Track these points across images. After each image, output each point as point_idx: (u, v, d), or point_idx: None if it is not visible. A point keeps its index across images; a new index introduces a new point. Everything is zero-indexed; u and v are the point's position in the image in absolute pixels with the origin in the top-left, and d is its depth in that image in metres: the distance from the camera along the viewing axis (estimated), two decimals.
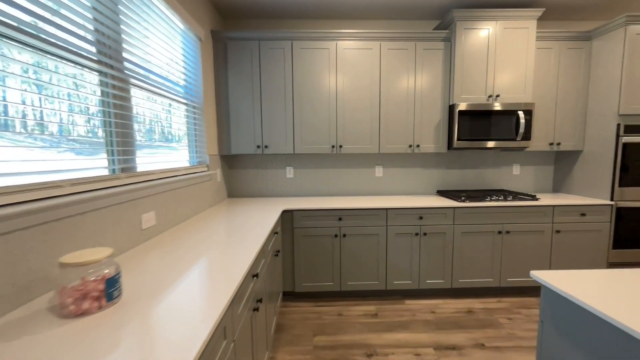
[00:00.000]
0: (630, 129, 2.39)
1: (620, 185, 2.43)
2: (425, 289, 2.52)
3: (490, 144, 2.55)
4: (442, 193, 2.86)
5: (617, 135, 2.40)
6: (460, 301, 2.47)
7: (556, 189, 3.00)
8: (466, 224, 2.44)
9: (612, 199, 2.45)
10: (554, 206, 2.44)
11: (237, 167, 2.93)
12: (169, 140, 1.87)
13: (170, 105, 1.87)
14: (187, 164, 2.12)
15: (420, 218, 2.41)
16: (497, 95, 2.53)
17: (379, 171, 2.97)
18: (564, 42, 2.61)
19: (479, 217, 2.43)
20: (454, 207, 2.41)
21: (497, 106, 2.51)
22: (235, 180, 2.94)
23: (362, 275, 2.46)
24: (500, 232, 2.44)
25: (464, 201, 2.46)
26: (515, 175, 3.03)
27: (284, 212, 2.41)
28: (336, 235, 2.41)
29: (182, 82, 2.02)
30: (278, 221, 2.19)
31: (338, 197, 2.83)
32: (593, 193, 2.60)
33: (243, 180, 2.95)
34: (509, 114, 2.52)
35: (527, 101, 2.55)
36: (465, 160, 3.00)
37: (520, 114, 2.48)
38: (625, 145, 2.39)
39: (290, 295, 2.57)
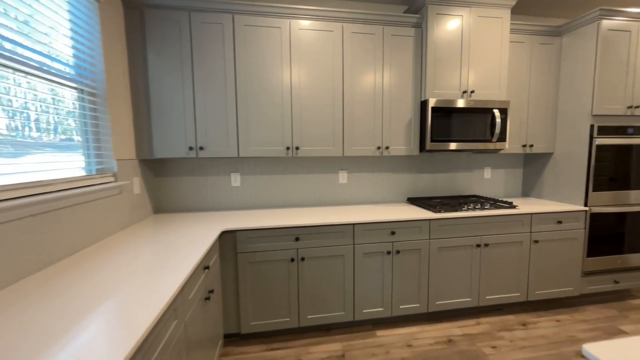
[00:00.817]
0: (604, 131, 2.26)
1: (594, 190, 2.29)
2: (399, 315, 2.15)
3: (466, 145, 2.26)
4: (413, 201, 2.53)
5: (591, 137, 2.25)
6: (438, 327, 2.14)
7: (526, 193, 2.85)
8: (443, 237, 2.11)
9: (586, 204, 2.31)
10: (532, 214, 2.22)
11: (165, 175, 2.31)
12: (41, 140, 1.24)
13: (51, 90, 1.24)
14: (79, 172, 1.49)
15: (393, 233, 2.03)
16: (472, 92, 2.26)
17: (343, 177, 2.56)
18: (535, 37, 2.43)
19: (456, 230, 2.13)
20: (430, 220, 2.07)
21: (473, 103, 2.23)
22: (164, 191, 2.32)
23: (325, 306, 2.01)
24: (478, 246, 2.16)
25: (440, 211, 2.14)
26: (487, 180, 2.82)
27: (225, 233, 1.87)
28: (293, 260, 1.93)
29: (69, 59, 1.40)
30: (213, 247, 1.65)
31: (295, 209, 2.35)
32: (565, 198, 2.45)
33: (175, 190, 2.33)
34: (484, 112, 2.26)
35: (502, 99, 2.31)
36: (437, 163, 2.71)
37: (496, 112, 2.24)
38: (599, 147, 2.26)
39: (235, 338, 2.03)
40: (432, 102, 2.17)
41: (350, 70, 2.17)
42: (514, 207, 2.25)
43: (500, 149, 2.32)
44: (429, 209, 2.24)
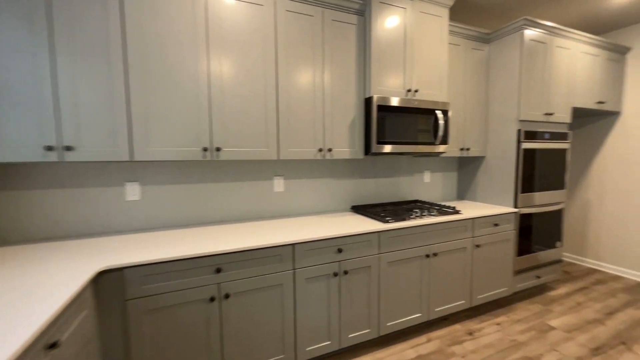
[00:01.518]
0: (528, 135, 2.37)
1: (522, 192, 2.39)
2: (348, 346, 1.84)
3: (412, 148, 2.11)
4: (358, 209, 2.27)
5: (518, 141, 2.34)
6: (391, 351, 1.90)
7: (460, 196, 2.89)
8: (393, 250, 1.89)
9: (515, 206, 2.39)
10: (474, 219, 2.18)
11: (17, 187, 1.55)
12: None
13: None
14: None
15: (340, 251, 1.72)
16: (416, 91, 2.12)
17: (279, 184, 2.15)
18: (469, 42, 2.45)
19: (406, 241, 1.93)
20: (379, 231, 1.82)
21: (417, 103, 2.09)
22: (16, 211, 1.55)
23: (257, 352, 1.57)
24: (428, 256, 2.01)
25: (389, 221, 1.91)
26: (427, 184, 2.77)
27: (105, 273, 1.27)
28: (213, 299, 1.43)
29: None
30: (77, 303, 1.06)
31: (218, 228, 1.85)
32: (497, 200, 2.52)
33: (34, 210, 1.59)
34: (428, 113, 2.14)
35: (444, 100, 2.24)
36: (380, 167, 2.53)
37: (439, 114, 2.14)
38: (525, 151, 2.36)
39: None
40: (377, 100, 1.95)
41: (285, 57, 1.79)
42: (458, 212, 2.18)
43: (442, 152, 2.24)
44: (377, 219, 2.00)
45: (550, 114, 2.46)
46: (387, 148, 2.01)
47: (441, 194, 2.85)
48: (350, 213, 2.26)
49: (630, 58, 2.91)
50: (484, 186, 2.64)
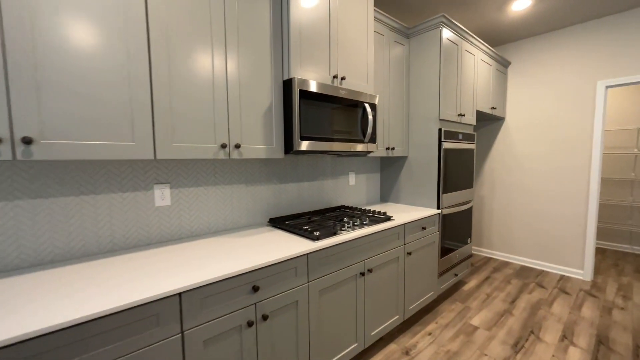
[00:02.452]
0: (448, 135, 2.35)
1: (444, 192, 2.36)
2: None
3: (341, 146, 1.76)
4: (278, 223, 1.80)
5: (440, 141, 2.30)
6: None
7: (384, 198, 2.75)
8: (325, 274, 1.49)
9: (438, 207, 2.34)
10: (405, 224, 1.99)
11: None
12: None
13: None
14: None
15: (256, 289, 1.20)
16: (343, 78, 1.79)
17: (162, 196, 1.49)
18: (392, 33, 2.29)
19: (340, 259, 1.56)
20: (308, 253, 1.40)
21: (345, 93, 1.76)
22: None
23: None
24: (362, 274, 1.69)
25: (318, 238, 1.50)
26: (352, 187, 2.51)
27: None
28: None
29: None
30: None
31: (59, 271, 1.08)
32: (421, 201, 2.44)
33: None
34: (355, 106, 1.84)
35: (371, 92, 1.98)
36: (303, 169, 2.12)
37: (368, 108, 1.87)
38: (445, 150, 2.33)
39: None
40: (298, 82, 1.52)
41: (166, 11, 1.18)
42: (390, 218, 1.95)
43: (371, 151, 1.98)
44: (303, 235, 1.57)
45: (462, 115, 2.52)
46: (313, 145, 1.61)
47: (366, 197, 2.64)
48: (269, 228, 1.77)
49: (510, 71, 3.34)
50: (407, 187, 2.54)
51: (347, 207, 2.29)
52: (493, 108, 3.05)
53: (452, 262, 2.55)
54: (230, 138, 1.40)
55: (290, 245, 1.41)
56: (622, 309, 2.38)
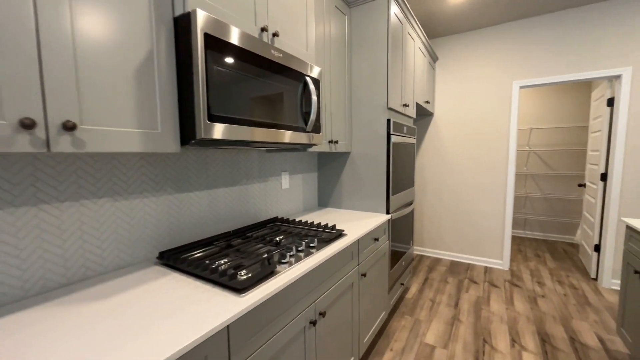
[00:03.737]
0: (396, 127, 2.02)
1: (393, 193, 2.03)
2: None
3: (275, 135, 1.18)
4: (172, 259, 1.10)
5: (388, 134, 1.94)
6: None
7: (323, 203, 2.28)
8: (257, 347, 0.90)
9: (388, 211, 2.00)
10: (359, 240, 1.55)
11: None
12: None
13: None
14: None
15: None
16: (275, 34, 1.20)
17: None
18: None
19: (279, 310, 0.99)
20: (228, 324, 0.78)
21: (281, 58, 1.18)
22: None
23: None
24: (313, 323, 1.16)
25: (245, 288, 0.89)
26: (285, 191, 1.94)
27: None
28: None
29: None
30: None
31: None
32: (367, 205, 2.06)
33: None
34: (293, 78, 1.28)
35: (313, 63, 1.46)
36: (218, 169, 1.44)
37: (311, 84, 1.33)
38: (394, 145, 1.99)
39: None
40: (204, 22, 0.87)
41: None
42: (342, 233, 1.47)
43: (314, 144, 1.46)
44: (218, 284, 0.93)
45: (407, 106, 2.25)
46: (232, 131, 0.98)
47: (302, 203, 2.12)
48: (156, 270, 1.06)
49: (437, 67, 3.31)
50: (350, 189, 2.13)
51: (282, 220, 1.71)
52: (427, 102, 2.93)
53: (399, 272, 2.26)
54: (48, 111, 0.66)
55: (192, 312, 0.77)
56: (542, 296, 2.52)
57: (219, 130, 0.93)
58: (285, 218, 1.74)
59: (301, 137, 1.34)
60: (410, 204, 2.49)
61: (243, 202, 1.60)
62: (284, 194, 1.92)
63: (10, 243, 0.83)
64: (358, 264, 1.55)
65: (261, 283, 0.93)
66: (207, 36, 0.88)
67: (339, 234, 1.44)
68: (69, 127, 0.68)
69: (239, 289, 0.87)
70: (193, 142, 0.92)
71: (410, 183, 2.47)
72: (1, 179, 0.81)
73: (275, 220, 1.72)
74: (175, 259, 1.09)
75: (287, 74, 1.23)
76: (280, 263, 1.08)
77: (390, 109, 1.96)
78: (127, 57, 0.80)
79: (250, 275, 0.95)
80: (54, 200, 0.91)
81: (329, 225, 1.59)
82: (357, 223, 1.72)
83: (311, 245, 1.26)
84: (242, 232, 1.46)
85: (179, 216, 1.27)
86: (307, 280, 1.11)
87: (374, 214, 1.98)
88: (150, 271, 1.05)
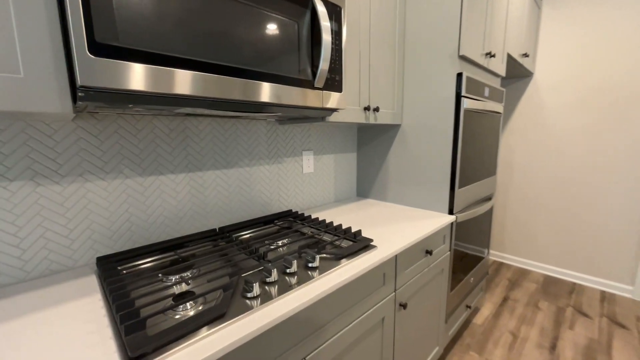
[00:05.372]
0: (471, 87, 1.36)
1: (460, 185, 1.40)
2: None
3: (247, 89, 0.73)
4: (105, 272, 0.79)
5: (458, 96, 1.30)
6: None
7: (362, 193, 1.77)
8: None
9: (451, 210, 1.39)
10: (397, 256, 1.03)
11: None
12: None
13: None
14: None
15: None
16: None
17: None
18: None
19: (272, 349, 0.58)
20: None
21: None
22: None
23: None
24: None
25: (142, 356, 0.51)
26: (307, 176, 1.50)
27: None
28: None
29: None
30: None
31: None
32: (422, 199, 1.48)
33: None
34: (295, 1, 0.79)
35: None
36: (202, 144, 1.08)
37: (321, 9, 0.82)
38: (466, 113, 1.34)
39: None
40: None
41: None
42: (370, 245, 0.98)
43: (331, 109, 0.97)
44: (119, 328, 0.57)
45: (491, 56, 1.52)
46: (145, 75, 0.57)
47: (334, 191, 1.66)
48: (84, 285, 0.76)
49: (545, 5, 2.32)
50: (397, 176, 1.57)
51: (295, 216, 1.29)
52: (524, 55, 2.07)
53: (465, 292, 1.65)
54: None
55: None
56: None
57: (112, 73, 0.53)
58: (300, 213, 1.31)
59: (304, 97, 0.86)
60: (489, 199, 1.79)
61: (244, 191, 1.22)
62: (306, 179, 1.49)
63: None
64: (394, 291, 1.04)
65: (185, 341, 0.53)
66: None
67: (365, 246, 0.94)
68: None
69: (132, 357, 0.49)
70: (81, 95, 0.54)
71: (491, 170, 1.75)
72: None
73: (288, 214, 1.31)
74: (109, 269, 0.78)
75: None
76: (244, 297, 0.67)
77: (463, 57, 1.30)
78: None
79: (173, 324, 0.56)
80: None
81: (352, 231, 1.11)
82: (402, 226, 1.18)
83: (310, 265, 0.81)
84: (231, 231, 1.09)
85: (144, 207, 0.96)
86: (295, 325, 0.68)
87: (429, 213, 1.39)
88: (75, 284, 0.76)
